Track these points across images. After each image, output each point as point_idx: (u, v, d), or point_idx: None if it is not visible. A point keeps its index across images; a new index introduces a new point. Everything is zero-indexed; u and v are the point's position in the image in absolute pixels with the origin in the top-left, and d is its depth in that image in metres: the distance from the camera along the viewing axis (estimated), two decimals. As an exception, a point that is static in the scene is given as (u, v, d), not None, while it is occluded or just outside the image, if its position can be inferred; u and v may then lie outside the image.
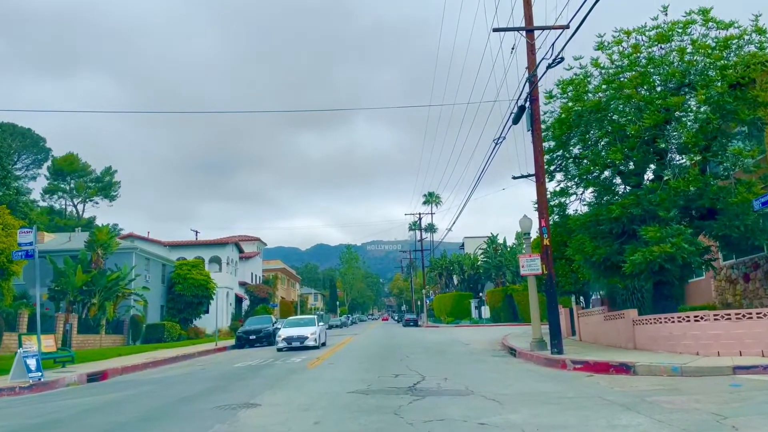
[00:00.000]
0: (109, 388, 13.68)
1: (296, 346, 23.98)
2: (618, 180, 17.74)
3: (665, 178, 15.02)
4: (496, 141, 19.96)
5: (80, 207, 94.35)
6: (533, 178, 38.48)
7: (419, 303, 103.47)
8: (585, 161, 17.75)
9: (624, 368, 11.90)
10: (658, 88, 15.78)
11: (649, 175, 17.18)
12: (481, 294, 61.96)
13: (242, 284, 49.27)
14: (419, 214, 69.13)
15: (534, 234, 19.23)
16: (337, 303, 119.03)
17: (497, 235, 61.02)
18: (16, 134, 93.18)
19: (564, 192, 18.65)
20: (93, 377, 15.95)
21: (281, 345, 24.22)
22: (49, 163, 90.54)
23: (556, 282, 15.06)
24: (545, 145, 18.15)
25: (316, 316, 27.57)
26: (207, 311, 44.95)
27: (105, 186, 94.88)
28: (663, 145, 15.09)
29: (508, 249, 58.97)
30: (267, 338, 30.25)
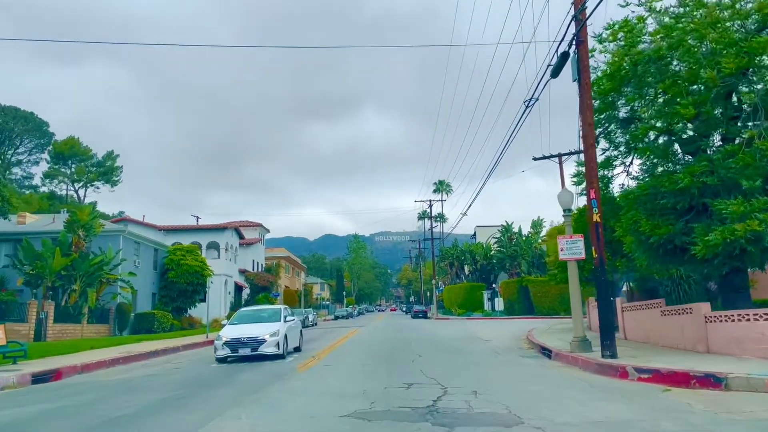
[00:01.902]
0: (41, 395, 10.87)
1: (246, 354, 15.21)
2: (676, 147, 14.69)
3: (745, 138, 11.96)
4: (527, 102, 16.87)
5: (82, 192, 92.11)
6: (556, 160, 34.71)
7: (428, 294, 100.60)
8: (635, 124, 14.67)
9: (712, 381, 8.92)
10: (735, 32, 12.69)
11: (715, 139, 14.09)
12: (494, 285, 58.95)
13: (242, 272, 46.53)
14: (429, 200, 66.15)
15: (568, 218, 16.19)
16: (344, 293, 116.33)
17: (512, 223, 57.89)
18: (18, 118, 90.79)
19: (607, 163, 15.57)
20: (41, 377, 13.18)
21: (221, 353, 15.36)
22: (50, 147, 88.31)
23: (605, 267, 12.05)
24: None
25: (283, 308, 17.91)
26: (204, 300, 42.27)
27: (107, 171, 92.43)
28: (745, 98, 12.02)
29: (523, 238, 55.86)
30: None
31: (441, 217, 75.98)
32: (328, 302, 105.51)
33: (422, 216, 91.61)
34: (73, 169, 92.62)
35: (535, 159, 35.54)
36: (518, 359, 14.21)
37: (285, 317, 16.91)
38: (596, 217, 11.99)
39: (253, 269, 50.63)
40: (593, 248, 11.99)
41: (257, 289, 45.48)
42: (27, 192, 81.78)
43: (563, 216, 13.96)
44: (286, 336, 16.05)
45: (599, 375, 10.85)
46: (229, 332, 15.83)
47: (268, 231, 59.57)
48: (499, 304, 52.47)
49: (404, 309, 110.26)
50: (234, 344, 15.33)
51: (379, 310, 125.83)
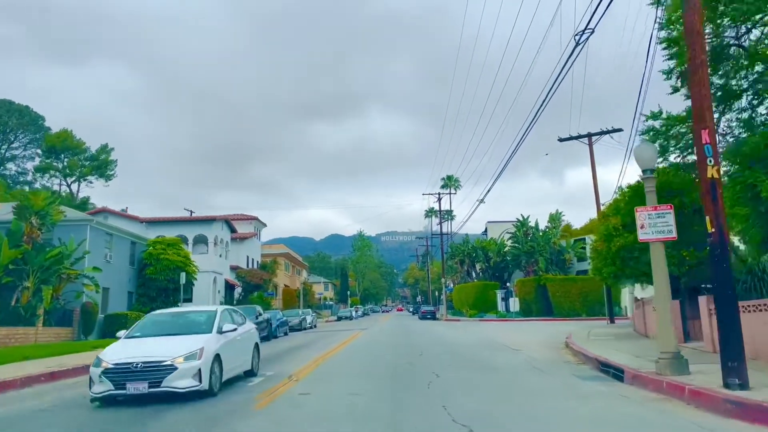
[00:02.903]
0: None
1: (140, 392, 8.69)
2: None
3: None
4: (577, 38, 12.65)
5: (75, 187, 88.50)
6: (585, 140, 30.16)
7: (437, 293, 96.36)
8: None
9: None
10: None
11: None
12: (508, 284, 54.64)
13: (234, 268, 42.48)
14: (438, 193, 61.94)
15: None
16: (348, 293, 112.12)
17: (528, 217, 53.52)
18: (12, 111, 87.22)
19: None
20: None
21: (99, 389, 8.81)
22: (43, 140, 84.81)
23: (727, 247, 7.81)
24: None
25: (221, 311, 11.17)
26: (191, 299, 38.29)
27: (100, 165, 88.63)
28: None
29: (541, 233, 51.54)
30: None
31: (449, 214, 71.78)
32: (331, 302, 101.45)
33: (429, 213, 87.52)
34: (65, 163, 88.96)
35: (561, 140, 31.39)
36: (577, 383, 10.00)
37: (221, 327, 10.33)
38: (712, 172, 7.76)
39: (249, 266, 46.57)
40: (708, 219, 7.76)
41: (250, 288, 41.43)
42: (20, 188, 78.13)
43: (643, 179, 9.75)
44: (219, 358, 9.66)
45: (733, 419, 6.66)
46: (117, 353, 9.24)
47: (264, 225, 55.51)
48: (515, 304, 48.11)
49: (411, 309, 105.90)
50: (120, 374, 8.69)
51: (384, 311, 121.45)
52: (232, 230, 43.11)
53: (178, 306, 34.34)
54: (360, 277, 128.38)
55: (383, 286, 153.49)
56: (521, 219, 53.27)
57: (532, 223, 52.86)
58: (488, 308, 53.70)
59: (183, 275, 27.09)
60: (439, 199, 60.35)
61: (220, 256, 41.18)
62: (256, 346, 12.24)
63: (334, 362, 14.36)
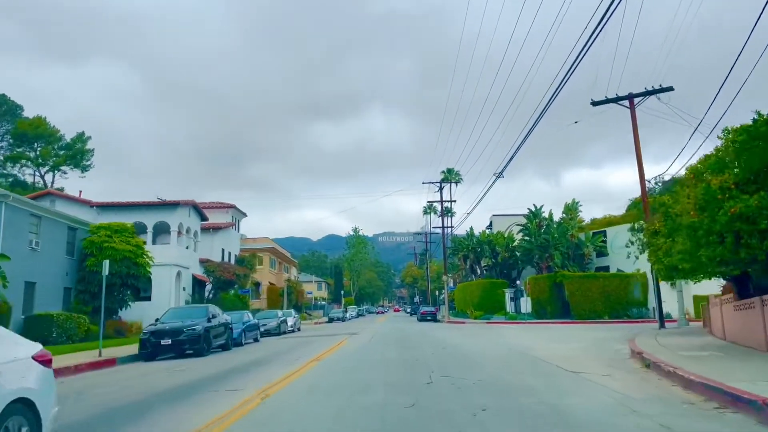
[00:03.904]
0: None
1: None
2: None
3: None
4: None
5: (49, 179, 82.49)
6: (625, 102, 25.01)
7: (437, 293, 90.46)
8: None
9: None
10: None
11: None
12: (518, 282, 48.87)
13: (203, 262, 36.40)
14: (440, 181, 56.09)
15: None
16: (342, 292, 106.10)
17: (541, 207, 47.65)
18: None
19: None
20: None
21: None
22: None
23: None
24: None
25: None
26: (149, 298, 32.45)
27: (75, 153, 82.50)
28: None
29: (556, 225, 45.75)
30: (192, 343, 17.67)
31: (449, 212, 65.75)
32: (324, 302, 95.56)
33: (428, 210, 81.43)
34: (38, 152, 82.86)
35: (594, 104, 25.63)
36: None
37: None
38: None
39: (224, 260, 40.60)
40: None
41: (220, 284, 35.49)
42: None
43: None
44: None
45: None
46: None
47: (244, 215, 49.49)
48: (526, 304, 42.27)
49: (409, 310, 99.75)
50: None
51: (379, 312, 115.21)
52: (202, 218, 37.12)
53: (129, 306, 28.53)
54: (355, 276, 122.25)
55: (380, 285, 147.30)
56: (533, 209, 47.45)
57: (545, 214, 47.07)
58: (495, 309, 47.96)
59: (164, 271, 21.13)
60: (441, 188, 54.56)
61: (188, 247, 35.22)
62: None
63: (291, 399, 8.56)
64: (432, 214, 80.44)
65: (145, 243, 29.27)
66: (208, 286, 36.21)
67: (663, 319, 23.40)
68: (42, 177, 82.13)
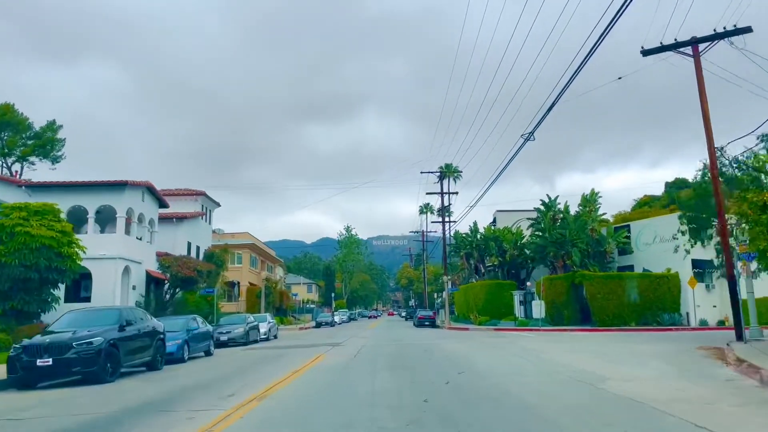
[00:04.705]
0: None
1: None
2: None
3: None
4: None
5: (16, 169, 76.22)
6: (687, 49, 17.35)
7: (435, 296, 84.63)
8: None
9: None
10: None
11: None
12: (528, 283, 43.22)
13: (161, 255, 30.31)
14: (439, 170, 50.39)
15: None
16: (333, 295, 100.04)
17: (556, 198, 41.98)
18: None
19: None
20: None
21: None
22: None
23: None
24: None
25: None
26: (89, 299, 26.56)
27: (45, 143, 76.10)
28: None
29: (573, 218, 40.10)
30: (85, 363, 11.81)
31: (447, 210, 59.80)
32: (313, 306, 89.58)
33: (424, 210, 75.51)
34: (4, 141, 76.48)
35: (645, 53, 19.94)
36: None
37: None
38: None
39: (190, 255, 34.63)
40: None
41: (179, 282, 29.52)
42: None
43: None
44: None
45: None
46: None
47: (217, 205, 43.51)
48: (539, 308, 36.34)
49: (404, 314, 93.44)
50: None
51: (372, 316, 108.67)
52: (162, 204, 31.19)
53: (55, 308, 22.72)
54: (347, 278, 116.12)
55: (373, 288, 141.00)
56: (548, 200, 41.75)
57: (561, 206, 41.40)
58: (502, 313, 42.29)
59: (107, 265, 15.39)
60: (441, 178, 48.87)
61: (140, 238, 29.33)
62: None
63: None
64: (428, 213, 74.78)
65: (75, 228, 23.35)
66: (167, 285, 30.36)
67: (741, 327, 17.69)
68: (9, 168, 75.91)
